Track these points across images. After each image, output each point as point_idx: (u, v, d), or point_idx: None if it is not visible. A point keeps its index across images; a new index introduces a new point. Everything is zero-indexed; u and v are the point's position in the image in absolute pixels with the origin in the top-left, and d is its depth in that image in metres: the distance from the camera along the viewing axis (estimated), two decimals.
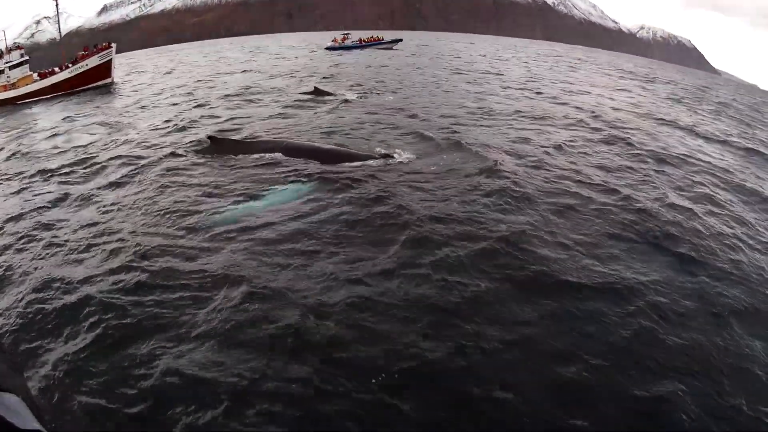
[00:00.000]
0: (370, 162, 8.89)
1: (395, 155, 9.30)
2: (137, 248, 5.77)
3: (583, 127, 13.41)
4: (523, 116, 14.37)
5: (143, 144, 11.62)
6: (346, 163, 8.74)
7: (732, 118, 21.31)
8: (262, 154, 9.34)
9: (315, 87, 18.30)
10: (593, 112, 15.87)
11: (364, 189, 7.45)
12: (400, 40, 56.79)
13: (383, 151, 9.48)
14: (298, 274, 5.07)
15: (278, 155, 9.26)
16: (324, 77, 24.54)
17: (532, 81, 25.18)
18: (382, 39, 55.52)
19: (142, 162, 9.83)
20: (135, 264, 5.39)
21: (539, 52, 59.40)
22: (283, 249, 5.63)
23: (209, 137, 10.33)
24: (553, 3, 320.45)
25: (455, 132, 11.39)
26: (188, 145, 10.75)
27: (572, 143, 11.12)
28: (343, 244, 5.75)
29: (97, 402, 3.56)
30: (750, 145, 14.13)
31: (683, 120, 17.17)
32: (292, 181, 7.96)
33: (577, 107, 16.83)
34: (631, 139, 11.98)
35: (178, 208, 7.04)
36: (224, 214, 6.74)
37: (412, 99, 16.92)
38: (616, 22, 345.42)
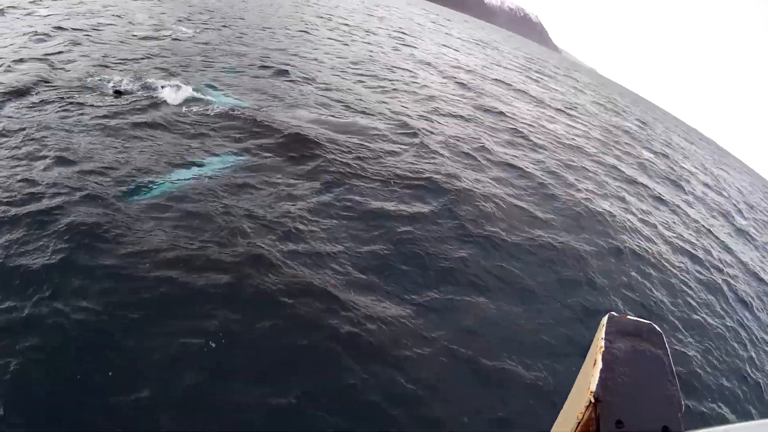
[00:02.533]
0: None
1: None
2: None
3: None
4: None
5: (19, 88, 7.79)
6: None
7: None
8: (180, 112, 8.28)
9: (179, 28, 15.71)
10: None
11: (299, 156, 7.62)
12: None
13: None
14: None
15: (200, 114, 8.36)
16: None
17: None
18: None
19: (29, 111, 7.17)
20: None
21: None
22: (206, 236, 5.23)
23: (116, 91, 8.84)
24: None
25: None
26: (88, 97, 8.08)
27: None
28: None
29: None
30: None
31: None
32: (218, 152, 7.22)
33: None
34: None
35: (80, 184, 5.62)
36: (148, 191, 5.83)
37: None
38: None
